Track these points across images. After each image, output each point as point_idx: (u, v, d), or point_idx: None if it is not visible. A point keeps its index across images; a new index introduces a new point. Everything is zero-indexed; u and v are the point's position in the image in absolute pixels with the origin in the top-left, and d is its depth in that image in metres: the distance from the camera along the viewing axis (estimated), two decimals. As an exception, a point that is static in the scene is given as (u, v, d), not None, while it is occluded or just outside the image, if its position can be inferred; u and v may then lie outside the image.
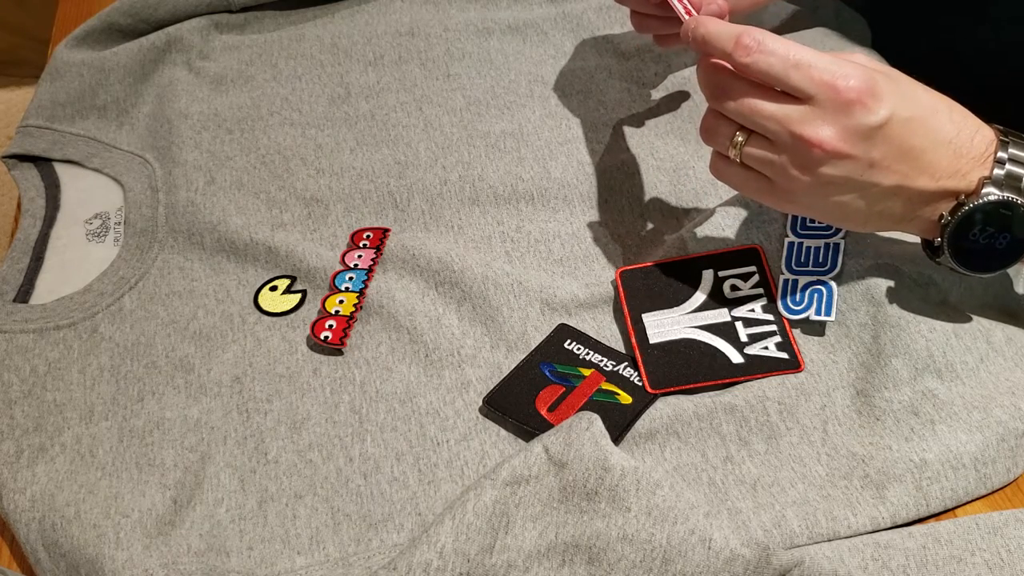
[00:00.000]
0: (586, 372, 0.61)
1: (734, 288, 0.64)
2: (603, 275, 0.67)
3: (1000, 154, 0.54)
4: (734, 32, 0.54)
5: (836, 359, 0.60)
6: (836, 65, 0.52)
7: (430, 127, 0.79)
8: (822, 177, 0.54)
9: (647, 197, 0.72)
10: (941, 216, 0.55)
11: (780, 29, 0.84)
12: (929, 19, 0.83)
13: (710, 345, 0.61)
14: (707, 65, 0.56)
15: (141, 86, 0.84)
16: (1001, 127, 0.56)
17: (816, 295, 0.62)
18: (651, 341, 0.62)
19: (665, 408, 0.59)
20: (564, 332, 0.64)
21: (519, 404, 0.60)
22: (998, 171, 0.54)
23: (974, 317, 0.61)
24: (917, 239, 0.61)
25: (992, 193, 0.54)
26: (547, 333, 0.64)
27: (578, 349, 0.62)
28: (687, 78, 0.81)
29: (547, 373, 0.61)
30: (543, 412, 0.59)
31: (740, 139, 0.56)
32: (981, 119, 0.56)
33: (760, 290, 0.63)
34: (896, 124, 0.53)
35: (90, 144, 0.80)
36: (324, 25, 0.89)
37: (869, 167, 0.53)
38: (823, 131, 0.52)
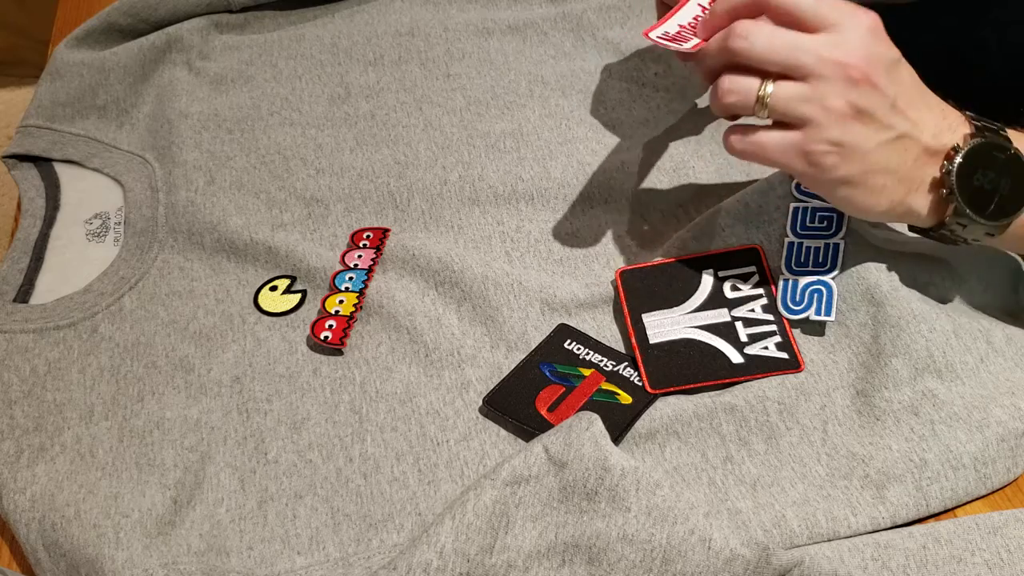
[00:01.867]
0: (586, 372, 0.61)
1: (734, 288, 0.64)
2: (603, 275, 0.67)
3: (975, 123, 0.57)
4: None
5: (836, 359, 0.60)
6: None
7: (430, 127, 0.79)
8: (853, 110, 0.53)
9: (647, 197, 0.72)
10: (942, 167, 0.55)
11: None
12: (929, 19, 0.83)
13: (710, 345, 0.61)
14: (723, 12, 0.56)
15: (141, 86, 0.84)
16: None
17: (816, 295, 0.62)
18: (651, 341, 0.62)
19: (665, 408, 0.59)
20: (564, 332, 0.64)
21: (519, 404, 0.60)
22: (978, 127, 0.56)
23: (974, 317, 0.61)
24: (917, 241, 0.61)
25: (979, 139, 0.55)
26: (547, 333, 0.64)
27: (578, 349, 0.62)
28: (687, 78, 0.81)
29: (547, 373, 0.61)
30: (543, 412, 0.59)
31: (768, 88, 0.54)
32: (985, 119, 0.57)
33: (760, 290, 0.63)
34: (904, 67, 0.55)
35: (90, 144, 0.80)
36: (324, 25, 0.89)
37: (891, 107, 0.54)
38: (856, 53, 0.53)
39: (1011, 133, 0.57)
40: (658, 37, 0.58)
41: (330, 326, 0.65)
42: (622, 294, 0.64)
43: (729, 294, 0.64)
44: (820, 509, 0.54)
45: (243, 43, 0.87)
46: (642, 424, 0.59)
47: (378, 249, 0.69)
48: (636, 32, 0.84)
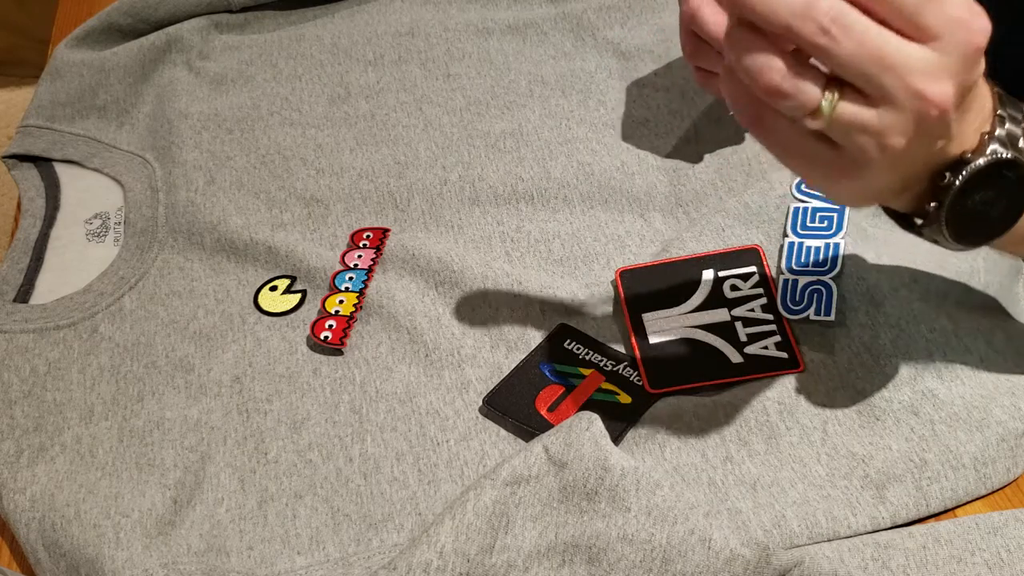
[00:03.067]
0: (586, 372, 0.61)
1: (734, 288, 0.64)
2: (603, 275, 0.67)
3: (999, 111, 0.47)
4: None
5: (836, 359, 0.60)
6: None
7: (430, 127, 0.79)
8: (914, 144, 0.43)
9: (647, 197, 0.72)
10: (944, 176, 0.46)
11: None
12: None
13: (710, 345, 0.61)
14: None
15: (141, 86, 0.84)
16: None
17: (816, 295, 0.62)
18: (651, 341, 0.62)
19: (665, 408, 0.59)
20: (564, 332, 0.64)
21: (519, 404, 0.60)
22: (1000, 130, 0.46)
23: (974, 317, 0.61)
24: (917, 240, 0.61)
25: (997, 151, 0.46)
26: (547, 333, 0.64)
27: (578, 349, 0.62)
28: (687, 78, 0.81)
29: (547, 373, 0.61)
30: (543, 412, 0.59)
31: (827, 106, 0.42)
32: (1011, 106, 0.49)
33: (760, 290, 0.63)
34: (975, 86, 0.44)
35: (90, 144, 0.80)
36: (324, 25, 0.89)
37: (945, 129, 0.44)
38: (947, 87, 0.42)
39: None
40: None
41: (330, 326, 0.65)
42: (622, 294, 0.64)
43: (729, 294, 0.64)
44: (820, 509, 0.54)
45: (243, 43, 0.87)
46: (642, 424, 0.59)
47: (378, 249, 0.69)
48: (636, 32, 0.84)
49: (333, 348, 0.64)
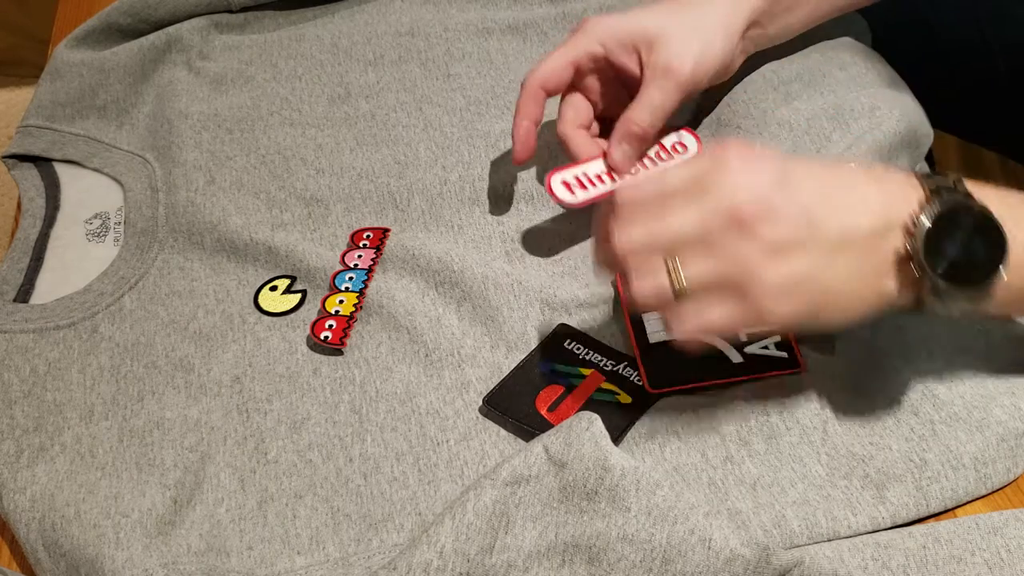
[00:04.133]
0: (586, 372, 0.61)
1: (734, 288, 0.64)
2: (603, 275, 0.67)
3: (919, 174, 0.51)
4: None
5: (836, 359, 0.60)
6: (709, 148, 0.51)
7: (430, 127, 0.79)
8: (771, 247, 0.48)
9: (647, 197, 0.72)
10: (906, 245, 0.49)
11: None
12: (926, 19, 0.83)
13: (710, 345, 0.61)
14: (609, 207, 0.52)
15: (141, 86, 0.84)
16: None
17: (816, 295, 0.62)
18: (651, 341, 0.62)
19: (665, 408, 0.59)
20: (564, 332, 0.64)
21: (519, 404, 0.60)
22: (930, 188, 0.50)
23: (974, 317, 0.61)
24: None
25: (938, 202, 0.49)
26: (547, 333, 0.64)
27: (578, 349, 0.62)
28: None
29: (547, 373, 0.61)
30: (543, 412, 0.59)
31: (681, 278, 0.49)
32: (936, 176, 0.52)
33: (760, 290, 0.63)
34: (799, 169, 0.50)
35: (90, 144, 0.80)
36: (324, 25, 0.89)
37: (807, 221, 0.48)
38: (732, 194, 0.48)
39: (969, 185, 0.51)
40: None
41: (330, 326, 0.65)
42: (622, 294, 0.64)
43: (729, 294, 0.64)
44: (820, 509, 0.54)
45: (243, 43, 0.87)
46: (642, 424, 0.59)
47: (378, 249, 0.69)
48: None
49: (333, 348, 0.64)
